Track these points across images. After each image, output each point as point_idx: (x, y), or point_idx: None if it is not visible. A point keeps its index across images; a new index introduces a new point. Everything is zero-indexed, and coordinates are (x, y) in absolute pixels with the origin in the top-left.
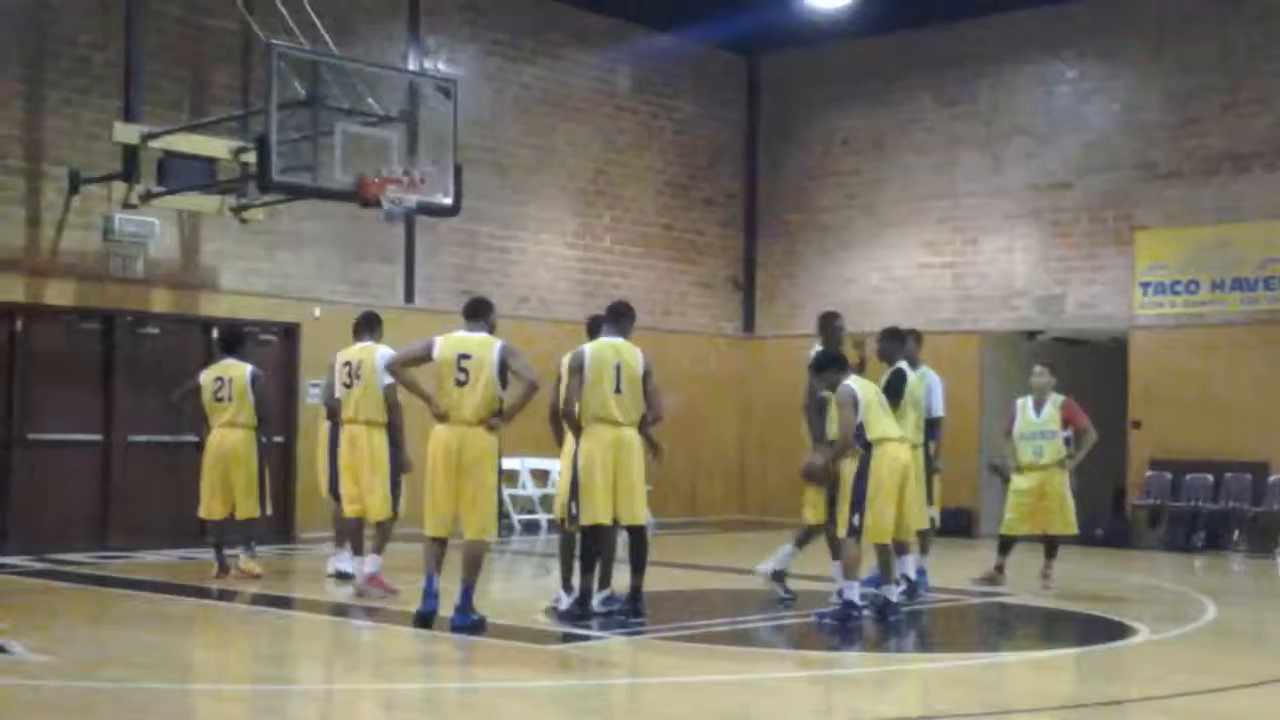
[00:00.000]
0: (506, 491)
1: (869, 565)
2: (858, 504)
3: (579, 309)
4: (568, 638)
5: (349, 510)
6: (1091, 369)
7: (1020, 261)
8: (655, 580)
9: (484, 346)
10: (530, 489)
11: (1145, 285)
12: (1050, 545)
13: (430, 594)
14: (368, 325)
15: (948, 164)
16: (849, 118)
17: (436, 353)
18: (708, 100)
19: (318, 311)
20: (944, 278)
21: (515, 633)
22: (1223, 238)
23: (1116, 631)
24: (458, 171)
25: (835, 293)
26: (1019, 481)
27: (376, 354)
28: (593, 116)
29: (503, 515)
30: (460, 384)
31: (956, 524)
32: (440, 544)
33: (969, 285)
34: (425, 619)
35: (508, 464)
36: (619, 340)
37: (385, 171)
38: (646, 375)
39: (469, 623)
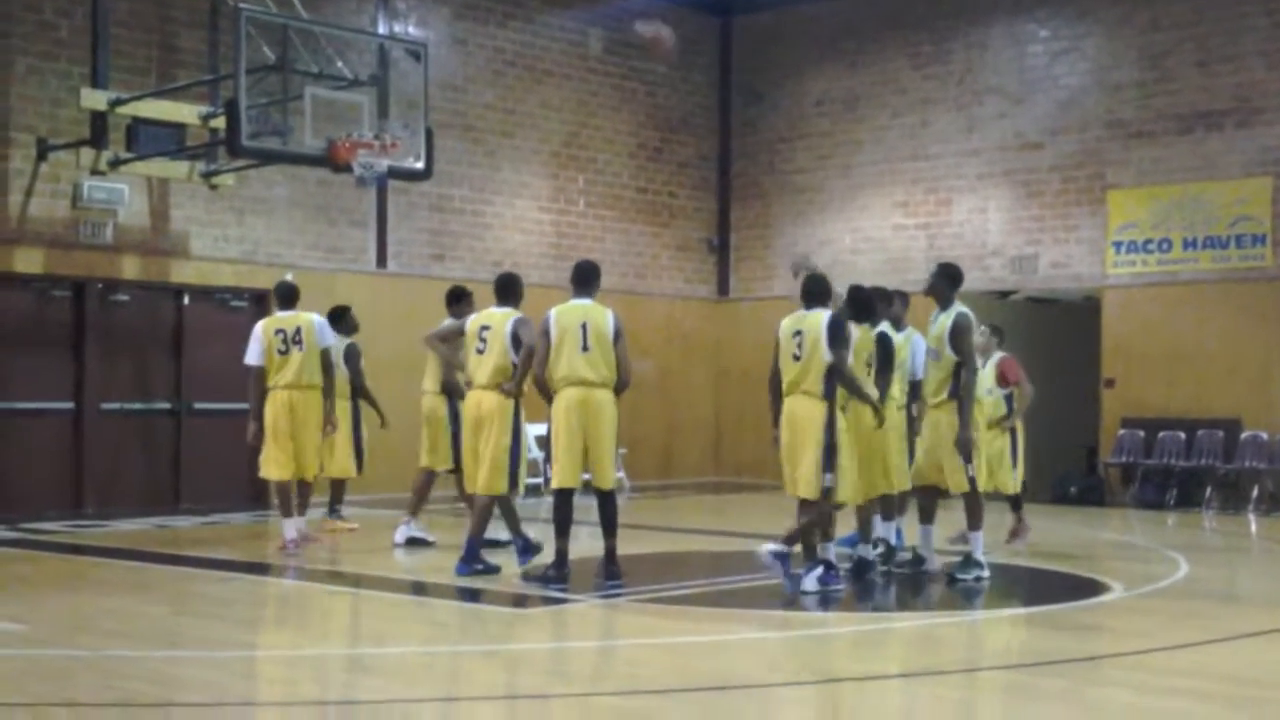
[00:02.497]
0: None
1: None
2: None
3: (553, 273)
4: (545, 601)
5: (282, 474)
6: (1065, 328)
7: (993, 222)
8: (631, 543)
9: (502, 319)
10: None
11: (1118, 244)
12: (1011, 501)
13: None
14: (289, 296)
15: (921, 125)
16: (822, 79)
17: (467, 326)
18: (680, 62)
19: (289, 277)
20: (918, 239)
21: (492, 596)
22: (1194, 196)
23: (1089, 589)
24: (429, 135)
25: (810, 254)
26: None
27: (315, 319)
28: (565, 79)
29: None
30: (479, 352)
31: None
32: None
33: (942, 246)
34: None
35: None
36: (587, 301)
37: (356, 136)
38: (617, 336)
39: (469, 571)
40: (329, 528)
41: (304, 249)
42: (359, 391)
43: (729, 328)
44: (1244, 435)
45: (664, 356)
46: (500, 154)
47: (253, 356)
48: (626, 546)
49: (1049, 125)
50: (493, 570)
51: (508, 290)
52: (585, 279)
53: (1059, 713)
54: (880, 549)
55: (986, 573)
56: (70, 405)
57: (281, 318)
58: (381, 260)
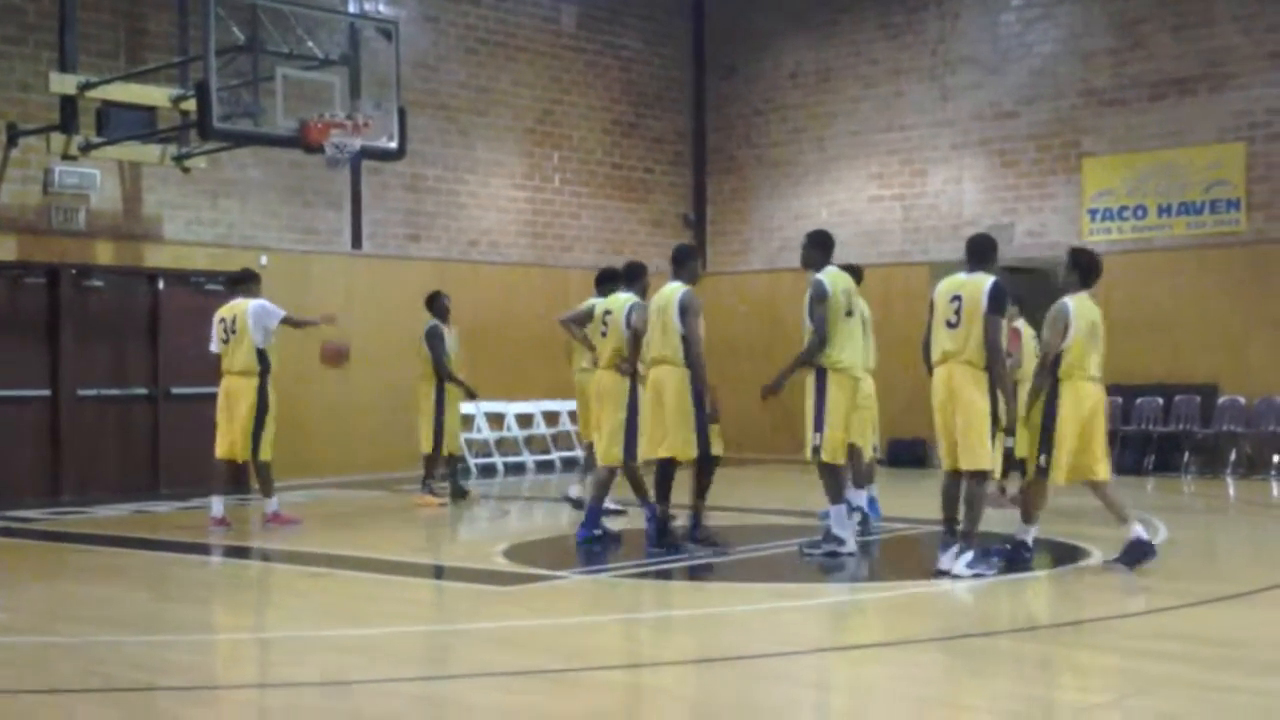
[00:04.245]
0: (462, 435)
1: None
2: (819, 425)
3: (529, 251)
4: (531, 578)
5: (219, 452)
6: (1042, 297)
7: (969, 191)
8: (618, 519)
9: (621, 304)
10: (487, 433)
11: (1093, 212)
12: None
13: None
14: (238, 281)
15: (895, 96)
16: (795, 51)
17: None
18: (653, 36)
19: (264, 259)
20: (894, 210)
21: (474, 574)
22: (1168, 162)
23: (1070, 555)
24: (402, 114)
25: (786, 228)
26: None
27: (248, 309)
28: (538, 56)
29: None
30: (602, 335)
31: (912, 455)
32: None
33: (918, 217)
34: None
35: (462, 408)
36: (675, 284)
37: (328, 116)
38: (683, 314)
39: (587, 536)
40: (417, 501)
41: (279, 231)
42: (442, 372)
43: (707, 302)
44: (1221, 400)
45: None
46: (474, 132)
47: (212, 345)
48: (610, 523)
49: (1023, 94)
50: (612, 537)
51: (632, 276)
52: (677, 260)
53: (1045, 677)
54: (858, 516)
55: (846, 548)
56: (47, 392)
57: (227, 306)
58: (357, 241)
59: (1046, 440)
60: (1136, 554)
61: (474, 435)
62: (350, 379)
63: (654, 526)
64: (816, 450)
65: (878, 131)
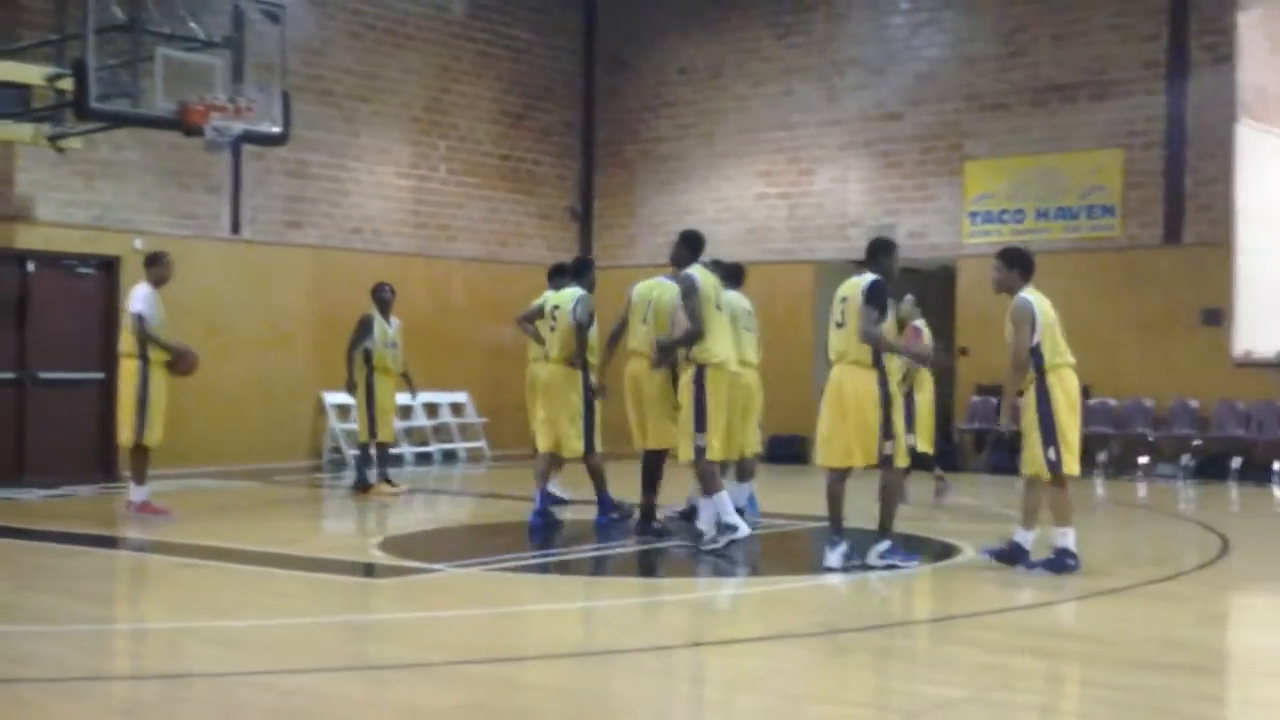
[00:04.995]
0: (340, 426)
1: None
2: (700, 426)
3: (412, 240)
4: (402, 571)
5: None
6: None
7: (854, 191)
8: (497, 511)
9: (569, 298)
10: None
11: (973, 214)
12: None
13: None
14: (147, 265)
15: (783, 94)
16: (686, 47)
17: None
18: (544, 28)
19: (139, 243)
20: (780, 208)
21: (349, 567)
22: (1048, 168)
23: (942, 552)
24: (285, 99)
25: (673, 223)
26: None
27: (134, 290)
28: (426, 44)
29: (335, 450)
30: (551, 329)
31: (791, 451)
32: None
33: (804, 215)
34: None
35: (340, 398)
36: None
37: (209, 98)
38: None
39: (605, 520)
40: (376, 492)
41: (155, 215)
42: (349, 362)
43: (594, 296)
44: (1092, 401)
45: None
46: (359, 119)
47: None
48: (491, 515)
49: (908, 96)
50: (626, 514)
51: (580, 271)
52: (686, 247)
53: (913, 672)
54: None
55: (741, 533)
56: None
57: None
58: (236, 227)
59: (1049, 435)
60: (1060, 563)
61: (352, 426)
62: (226, 367)
63: (604, 515)
64: (701, 451)
65: (766, 130)
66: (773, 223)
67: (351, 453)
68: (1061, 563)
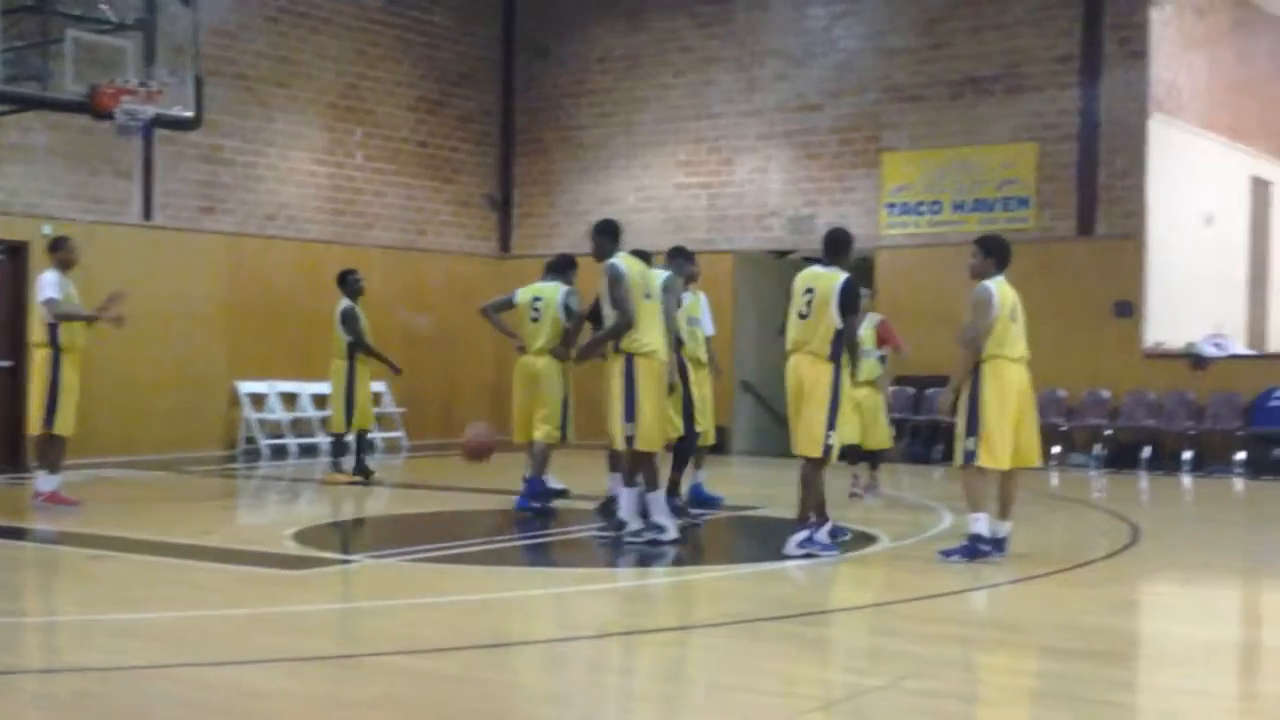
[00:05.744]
0: (254, 415)
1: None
2: (630, 415)
3: (328, 227)
4: (317, 563)
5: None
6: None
7: (773, 182)
8: (409, 503)
9: (552, 291)
10: (279, 413)
11: (891, 206)
12: (872, 458)
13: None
14: (50, 250)
15: (704, 84)
16: (606, 35)
17: (518, 299)
18: (462, 14)
19: (47, 229)
20: (700, 197)
21: (263, 558)
22: (964, 159)
23: (859, 541)
24: (198, 83)
25: (593, 211)
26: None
27: (41, 278)
28: (343, 29)
29: (249, 440)
30: (534, 320)
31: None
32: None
33: (723, 205)
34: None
35: (253, 387)
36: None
37: (120, 82)
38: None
39: (523, 506)
40: (327, 479)
41: (64, 199)
42: (357, 350)
43: (511, 285)
44: None
45: (445, 314)
46: (274, 104)
47: None
48: (405, 505)
49: (827, 87)
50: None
51: (562, 267)
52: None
53: (829, 660)
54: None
55: (668, 535)
56: None
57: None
58: (148, 213)
59: (973, 424)
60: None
61: (266, 415)
62: (138, 355)
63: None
64: (630, 440)
65: (686, 119)
66: (693, 212)
67: (267, 442)
68: (974, 549)
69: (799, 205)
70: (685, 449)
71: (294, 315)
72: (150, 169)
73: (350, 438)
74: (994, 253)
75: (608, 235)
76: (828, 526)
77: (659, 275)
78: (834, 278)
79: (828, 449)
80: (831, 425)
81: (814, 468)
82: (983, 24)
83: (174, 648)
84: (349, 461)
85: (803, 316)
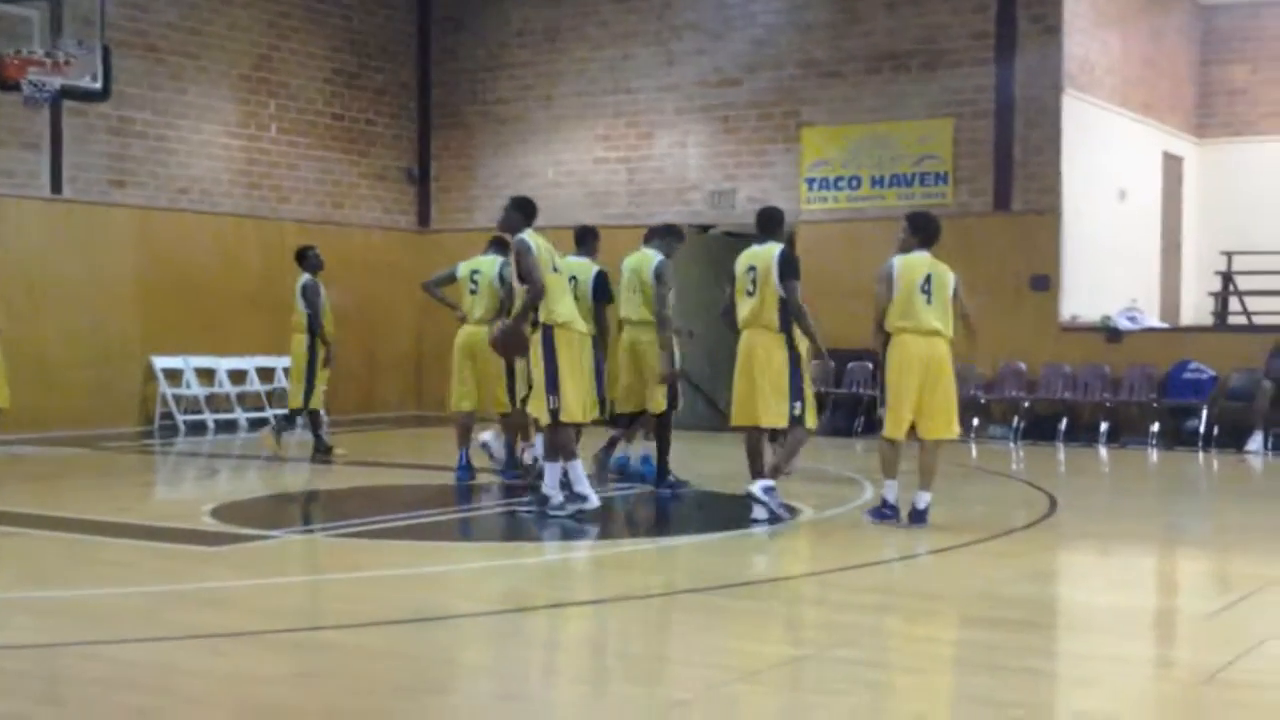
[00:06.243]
0: (170, 391)
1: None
2: (553, 387)
3: (243, 201)
4: (238, 539)
5: None
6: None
7: (693, 156)
8: (330, 479)
9: (490, 263)
10: (196, 388)
11: (810, 181)
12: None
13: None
14: None
15: (622, 58)
16: (523, 8)
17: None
18: None
19: None
20: (619, 172)
21: (181, 534)
22: (882, 135)
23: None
24: (106, 54)
25: (512, 186)
26: None
27: None
28: (254, 0)
29: (165, 416)
30: (472, 293)
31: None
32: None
33: (643, 180)
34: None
35: (169, 363)
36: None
37: (25, 53)
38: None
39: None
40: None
41: None
42: (316, 329)
43: (430, 259)
44: None
45: (364, 288)
46: (185, 76)
47: None
48: (327, 481)
49: (746, 62)
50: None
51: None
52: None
53: (753, 631)
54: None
55: (590, 504)
56: None
57: None
58: (56, 186)
59: (881, 395)
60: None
61: (183, 391)
62: (49, 330)
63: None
64: (555, 413)
65: (604, 94)
66: (612, 186)
67: (185, 418)
68: (879, 511)
69: (719, 180)
70: (665, 424)
71: (209, 290)
72: (59, 141)
73: (302, 415)
74: (920, 230)
75: (520, 211)
76: (773, 484)
77: (652, 260)
78: (771, 250)
79: (796, 418)
80: (797, 395)
81: (799, 430)
82: (899, 1)
83: (91, 625)
84: (293, 437)
85: (749, 294)
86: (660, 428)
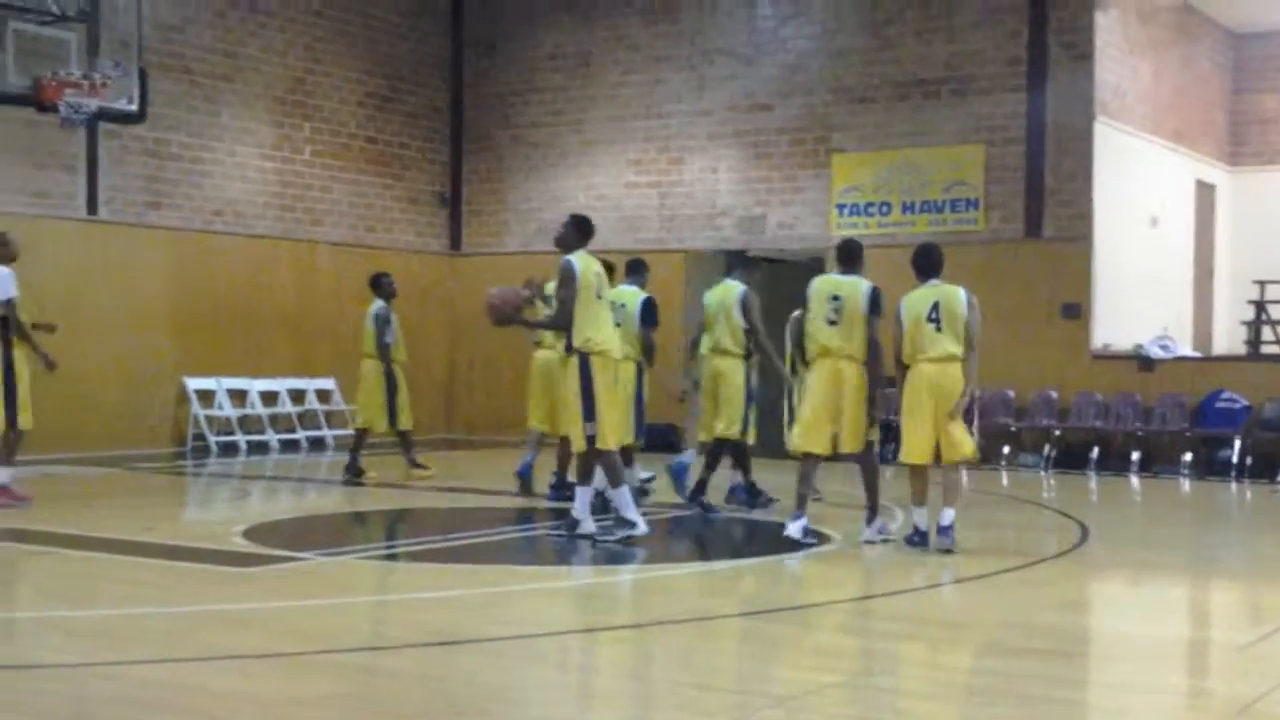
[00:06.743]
0: (203, 412)
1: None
2: (590, 414)
3: (276, 224)
4: (269, 560)
5: None
6: (790, 287)
7: (723, 181)
8: (364, 500)
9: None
10: (228, 409)
11: (841, 207)
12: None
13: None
14: None
15: (654, 83)
16: (555, 33)
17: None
18: (410, 9)
19: None
20: (650, 197)
21: (212, 555)
22: (912, 161)
23: (813, 539)
24: (143, 76)
25: (543, 210)
26: None
27: None
28: (289, 23)
29: (198, 437)
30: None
31: (665, 440)
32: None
33: (674, 204)
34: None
35: (202, 384)
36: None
37: (63, 74)
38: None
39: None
40: (415, 476)
41: (7, 193)
42: (381, 356)
43: (461, 283)
44: None
45: (395, 311)
46: (220, 98)
47: None
48: (359, 503)
49: (777, 88)
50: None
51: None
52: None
53: (785, 657)
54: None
55: (639, 530)
56: None
57: None
58: (93, 207)
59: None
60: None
61: (215, 412)
62: (84, 351)
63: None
64: (591, 440)
65: (636, 118)
66: (644, 211)
67: (217, 439)
68: (910, 540)
69: (750, 205)
70: (727, 449)
71: (242, 312)
72: (95, 163)
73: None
74: (915, 265)
75: (577, 230)
76: (880, 520)
77: (735, 290)
78: (859, 284)
79: (870, 443)
80: (871, 422)
81: (870, 458)
82: (930, 27)
83: (122, 646)
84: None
85: (832, 323)
86: (738, 451)
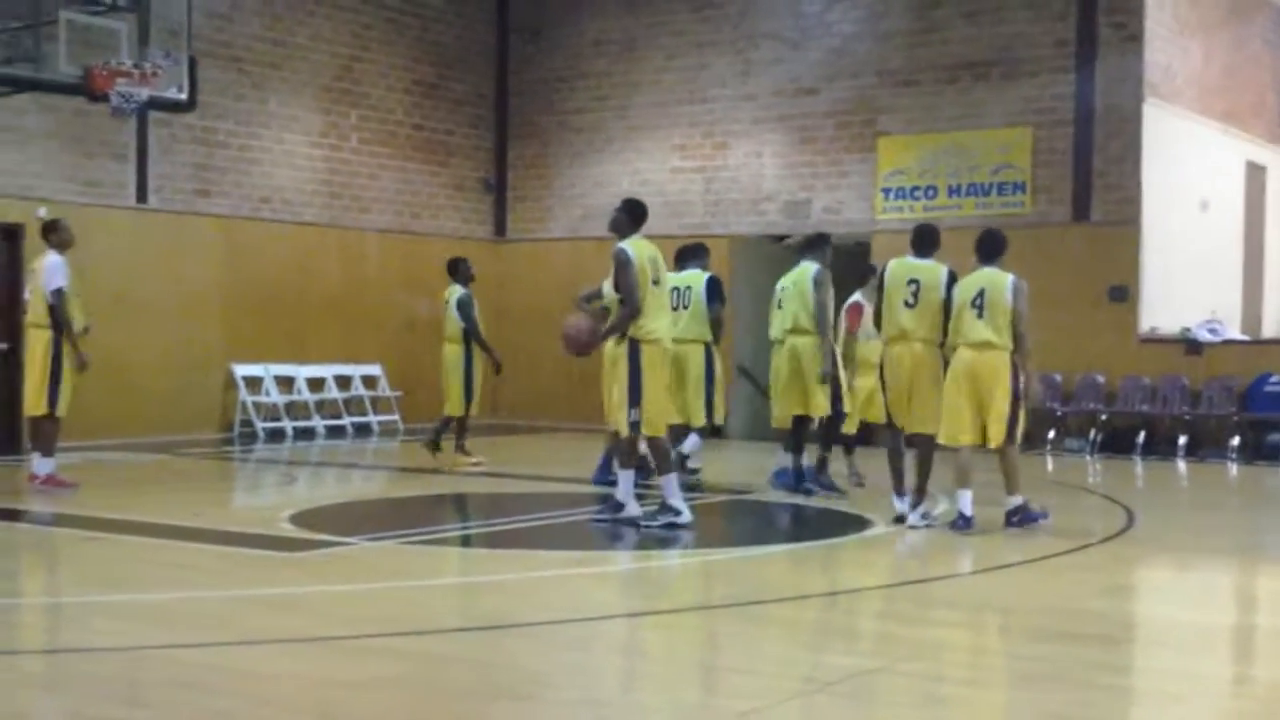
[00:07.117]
0: (250, 398)
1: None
2: (635, 400)
3: (324, 211)
4: (313, 545)
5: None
6: (838, 271)
7: (769, 166)
8: (410, 485)
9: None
10: (275, 396)
11: (886, 190)
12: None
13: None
14: (43, 232)
15: (698, 68)
16: (600, 18)
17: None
18: None
19: (43, 211)
20: (695, 181)
21: (260, 540)
22: (959, 144)
23: (855, 525)
24: (192, 65)
25: (588, 195)
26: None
27: (45, 260)
28: (336, 10)
29: (245, 423)
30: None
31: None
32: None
33: (719, 189)
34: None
35: (249, 370)
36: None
37: (114, 64)
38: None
39: (605, 479)
40: (453, 463)
41: (59, 182)
42: (473, 337)
43: (507, 269)
44: None
45: (441, 298)
46: (268, 86)
47: (25, 293)
48: (404, 488)
49: (823, 71)
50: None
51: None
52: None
53: (824, 642)
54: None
55: (683, 518)
56: None
57: (39, 257)
58: (142, 195)
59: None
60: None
61: (262, 398)
62: (133, 338)
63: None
64: (635, 425)
65: (681, 103)
66: (689, 196)
67: (264, 425)
68: (955, 524)
69: (795, 190)
70: (833, 430)
71: (289, 299)
72: (145, 151)
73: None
74: (976, 246)
75: (628, 215)
76: (925, 504)
77: (809, 270)
78: (937, 269)
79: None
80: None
81: (928, 444)
82: (977, 8)
83: (171, 629)
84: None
85: (909, 306)
86: (826, 430)
